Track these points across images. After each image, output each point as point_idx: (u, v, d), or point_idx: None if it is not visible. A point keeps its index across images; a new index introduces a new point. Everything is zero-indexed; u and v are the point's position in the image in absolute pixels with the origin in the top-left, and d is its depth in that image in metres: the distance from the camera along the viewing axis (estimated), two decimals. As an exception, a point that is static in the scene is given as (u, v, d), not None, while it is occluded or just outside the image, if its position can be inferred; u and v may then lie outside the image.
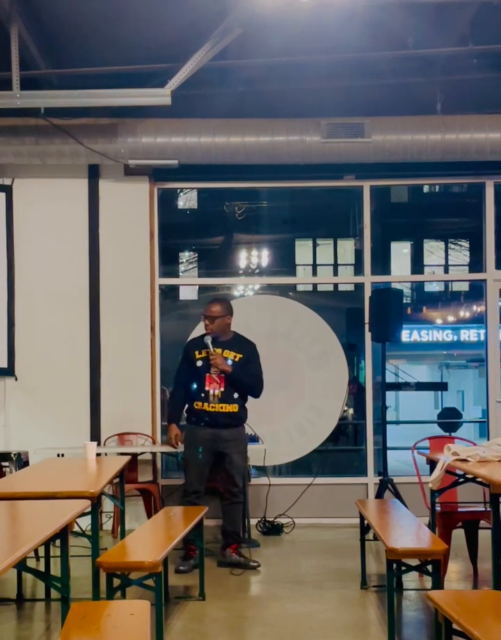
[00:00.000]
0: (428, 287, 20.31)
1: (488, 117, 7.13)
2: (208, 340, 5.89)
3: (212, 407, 5.85)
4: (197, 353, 5.94)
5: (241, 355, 5.94)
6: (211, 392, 5.85)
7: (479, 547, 5.65)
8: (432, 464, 5.33)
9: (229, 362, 5.91)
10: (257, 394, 6.06)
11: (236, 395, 5.90)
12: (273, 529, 7.16)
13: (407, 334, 20.30)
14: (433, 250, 19.88)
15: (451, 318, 20.13)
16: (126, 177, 7.56)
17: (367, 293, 7.66)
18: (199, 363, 5.91)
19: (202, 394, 5.86)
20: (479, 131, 7.06)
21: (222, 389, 5.85)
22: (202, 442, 5.89)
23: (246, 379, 5.93)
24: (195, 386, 5.91)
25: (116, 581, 4.03)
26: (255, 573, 5.80)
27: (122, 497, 5.70)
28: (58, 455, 6.68)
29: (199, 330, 7.61)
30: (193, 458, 5.92)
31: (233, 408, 5.90)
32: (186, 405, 6.02)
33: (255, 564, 5.88)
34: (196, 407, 5.90)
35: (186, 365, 6.03)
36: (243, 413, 6.01)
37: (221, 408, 5.86)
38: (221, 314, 5.93)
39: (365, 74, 7.08)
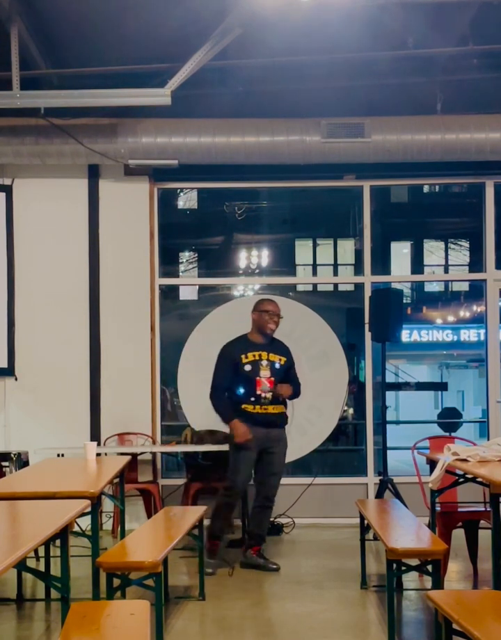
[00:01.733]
0: (428, 287, 20.30)
1: (488, 117, 7.13)
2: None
3: (264, 409, 5.83)
4: (243, 356, 5.86)
5: (284, 359, 5.96)
6: (262, 395, 5.82)
7: (479, 547, 5.65)
8: (432, 464, 5.33)
9: (277, 365, 5.90)
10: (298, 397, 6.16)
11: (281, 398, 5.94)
12: (273, 529, 7.15)
13: (407, 334, 20.29)
14: (433, 250, 19.87)
15: (451, 318, 20.12)
16: (126, 177, 7.56)
17: (367, 293, 7.66)
18: (247, 367, 5.84)
19: (253, 398, 5.82)
20: (479, 131, 7.06)
21: (271, 392, 5.85)
22: (255, 441, 5.82)
23: (297, 388, 6.02)
24: (242, 390, 5.84)
25: (116, 581, 4.03)
26: (255, 573, 5.80)
27: (122, 497, 5.70)
28: (58, 455, 6.68)
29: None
30: (246, 458, 5.85)
31: (281, 408, 5.92)
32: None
33: (275, 567, 5.84)
34: (245, 410, 5.83)
35: (230, 368, 5.88)
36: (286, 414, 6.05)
37: (273, 408, 5.86)
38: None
39: (365, 74, 7.08)
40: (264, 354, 5.89)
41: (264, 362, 5.86)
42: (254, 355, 5.88)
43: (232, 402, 5.89)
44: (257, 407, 5.82)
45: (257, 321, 5.98)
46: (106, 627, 3.12)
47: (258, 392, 5.81)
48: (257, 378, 5.82)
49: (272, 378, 5.83)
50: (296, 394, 6.03)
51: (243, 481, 5.93)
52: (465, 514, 5.59)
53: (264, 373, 5.83)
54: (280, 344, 6.05)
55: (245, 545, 6.03)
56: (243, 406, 5.84)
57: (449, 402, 21.71)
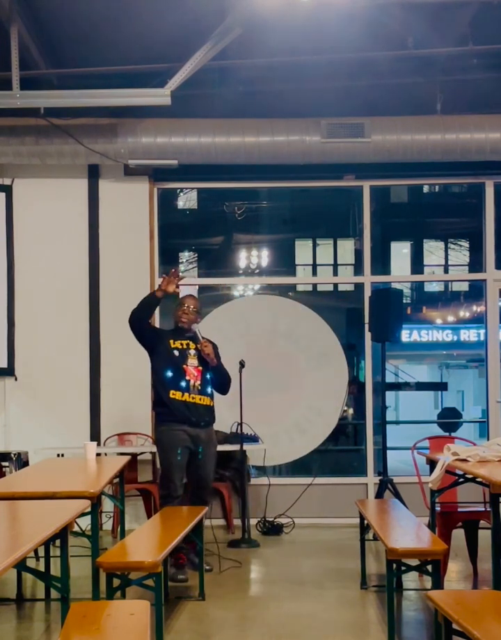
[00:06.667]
0: (428, 287, 20.29)
1: (488, 117, 7.13)
2: (197, 328, 5.87)
3: (192, 397, 5.76)
4: (172, 341, 5.85)
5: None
6: (191, 382, 5.78)
7: (479, 547, 5.65)
8: (432, 464, 5.33)
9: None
10: (227, 390, 6.04)
11: (209, 390, 5.88)
12: (273, 529, 7.16)
13: (407, 334, 20.27)
14: (433, 250, 19.87)
15: (451, 318, 20.11)
16: (126, 177, 7.56)
17: (367, 293, 7.66)
18: (175, 352, 5.82)
19: (182, 384, 5.76)
20: (479, 131, 7.06)
21: (199, 381, 5.81)
22: (181, 442, 5.73)
23: (224, 371, 5.94)
24: (170, 374, 5.79)
25: (116, 581, 4.03)
26: (255, 573, 5.80)
27: (122, 497, 5.70)
28: (58, 455, 6.68)
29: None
30: (173, 460, 5.71)
31: (209, 401, 5.85)
32: (159, 397, 5.85)
33: (183, 577, 5.49)
34: (173, 397, 5.74)
35: (158, 343, 5.87)
36: (214, 410, 5.94)
37: (200, 399, 5.79)
38: (198, 308, 6.01)
39: (365, 74, 7.08)
40: (192, 345, 5.87)
41: (192, 351, 5.85)
42: (182, 344, 5.86)
43: (160, 389, 5.84)
44: (186, 395, 5.75)
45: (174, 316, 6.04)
46: (106, 627, 3.12)
47: (187, 378, 5.76)
48: (184, 365, 5.80)
49: (200, 367, 5.82)
50: (225, 376, 5.95)
51: (179, 484, 5.72)
52: (465, 514, 5.59)
53: (192, 361, 5.82)
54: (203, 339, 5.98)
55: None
56: (170, 393, 5.74)
57: (449, 402, 21.71)
